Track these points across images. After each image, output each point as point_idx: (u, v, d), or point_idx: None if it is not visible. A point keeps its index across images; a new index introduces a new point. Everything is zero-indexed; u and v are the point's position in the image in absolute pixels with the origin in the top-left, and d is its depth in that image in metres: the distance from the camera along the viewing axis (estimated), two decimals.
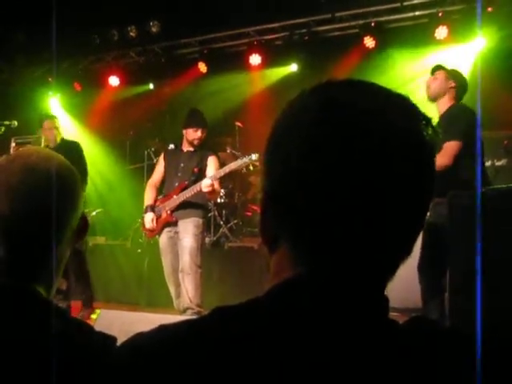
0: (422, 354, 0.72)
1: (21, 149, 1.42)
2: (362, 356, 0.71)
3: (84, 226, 1.38)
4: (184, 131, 5.57)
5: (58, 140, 6.42)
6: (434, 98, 4.49)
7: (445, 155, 4.11)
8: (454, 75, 4.53)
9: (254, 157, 5.31)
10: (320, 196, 0.75)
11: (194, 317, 0.85)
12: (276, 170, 0.82)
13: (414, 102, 0.83)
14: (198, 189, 5.22)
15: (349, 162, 0.74)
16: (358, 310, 0.76)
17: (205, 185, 5.13)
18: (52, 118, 6.68)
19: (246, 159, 5.35)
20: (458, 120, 4.25)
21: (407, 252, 0.81)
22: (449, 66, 4.71)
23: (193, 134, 5.49)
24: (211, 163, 5.49)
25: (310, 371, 0.70)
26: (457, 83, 4.48)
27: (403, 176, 0.76)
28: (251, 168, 8.13)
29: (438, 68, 4.59)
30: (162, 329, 0.78)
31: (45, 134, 6.39)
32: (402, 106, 0.81)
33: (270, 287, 0.80)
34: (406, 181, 0.77)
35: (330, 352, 0.71)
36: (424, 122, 0.80)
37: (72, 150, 6.19)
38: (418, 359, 0.72)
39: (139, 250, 7.56)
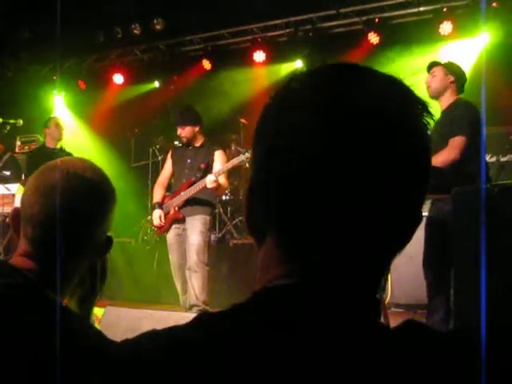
0: (410, 359, 0.68)
1: (67, 157, 1.47)
2: (350, 361, 0.68)
3: (107, 244, 1.41)
4: None
5: (60, 144, 6.56)
6: (436, 96, 4.46)
7: (452, 149, 4.10)
8: (451, 69, 4.49)
9: None
10: (305, 188, 0.71)
11: None
12: (260, 160, 0.78)
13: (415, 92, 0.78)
14: (203, 185, 5.24)
15: (336, 152, 0.70)
16: (348, 314, 0.72)
17: (209, 181, 5.15)
18: (58, 117, 6.83)
19: (248, 154, 5.36)
20: (462, 116, 4.25)
21: (401, 247, 0.76)
22: (450, 60, 4.68)
23: (178, 132, 5.55)
24: (218, 158, 5.51)
25: (295, 378, 0.66)
26: (456, 77, 4.45)
27: (397, 166, 0.72)
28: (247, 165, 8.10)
29: (434, 65, 4.55)
30: (149, 335, 0.74)
31: (50, 133, 6.49)
32: (397, 89, 0.77)
33: (255, 290, 0.76)
34: (400, 171, 0.72)
35: (317, 358, 0.68)
36: (420, 107, 0.76)
37: None
38: (407, 364, 0.68)
39: (148, 247, 7.56)
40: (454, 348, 0.71)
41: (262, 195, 0.77)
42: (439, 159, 4.04)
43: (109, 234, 1.42)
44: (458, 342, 0.72)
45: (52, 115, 6.99)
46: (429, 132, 0.76)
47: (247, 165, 7.37)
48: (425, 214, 4.46)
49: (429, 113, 0.76)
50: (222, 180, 5.34)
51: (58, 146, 6.59)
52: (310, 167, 0.71)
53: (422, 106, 0.76)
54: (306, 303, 0.71)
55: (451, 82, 4.44)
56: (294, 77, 0.79)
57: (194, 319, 0.74)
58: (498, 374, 0.68)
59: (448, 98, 4.44)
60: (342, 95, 0.73)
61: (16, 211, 1.34)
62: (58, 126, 6.62)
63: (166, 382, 0.68)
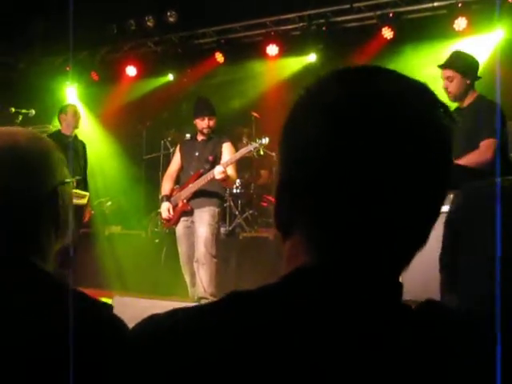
0: (434, 339, 0.72)
1: None
2: (373, 342, 0.71)
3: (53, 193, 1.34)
4: (194, 122, 5.60)
5: (75, 131, 6.59)
6: (458, 100, 4.42)
7: (487, 152, 4.11)
8: (466, 71, 4.39)
9: (265, 141, 5.32)
10: (335, 182, 0.75)
11: None
12: (291, 155, 0.82)
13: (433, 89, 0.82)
14: (212, 176, 5.22)
15: (365, 148, 0.74)
16: (370, 296, 0.75)
17: (217, 172, 5.14)
18: (76, 105, 6.88)
19: (256, 144, 5.35)
20: (489, 117, 4.21)
21: (423, 240, 0.80)
22: (461, 56, 4.61)
23: (201, 123, 5.52)
24: (226, 150, 5.49)
25: (318, 359, 0.69)
26: (472, 77, 4.40)
27: (421, 163, 0.76)
28: (261, 153, 8.07)
29: (447, 66, 4.43)
30: (176, 313, 0.78)
31: (66, 120, 6.52)
32: (421, 92, 0.80)
33: (283, 274, 0.79)
34: (424, 168, 0.76)
35: (341, 339, 0.71)
36: (442, 110, 0.80)
37: (84, 150, 6.49)
38: (430, 344, 0.71)
39: (157, 240, 7.59)
40: (477, 328, 0.75)
41: (291, 192, 0.81)
42: (472, 160, 4.04)
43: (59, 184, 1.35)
44: (481, 321, 0.76)
45: (70, 102, 7.01)
46: (450, 132, 0.80)
47: (255, 155, 7.35)
48: (445, 209, 4.45)
49: (450, 115, 0.81)
50: (231, 171, 5.33)
51: (73, 134, 6.58)
52: (334, 166, 0.75)
53: (445, 108, 0.80)
54: (330, 285, 0.75)
55: (469, 84, 4.39)
56: (318, 80, 0.83)
57: (223, 299, 0.78)
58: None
59: (469, 98, 4.40)
60: (373, 98, 0.77)
61: None
62: (75, 113, 6.61)
63: (192, 362, 0.71)
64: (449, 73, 4.39)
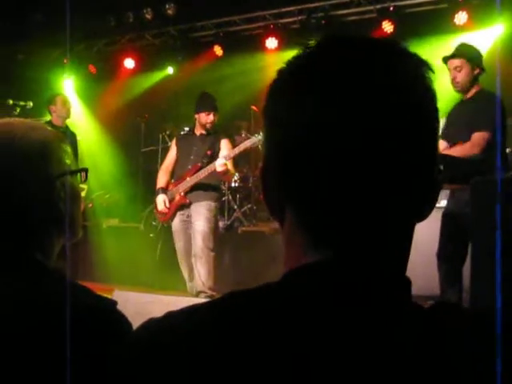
0: (447, 337, 0.69)
1: None
2: (386, 340, 0.68)
3: (70, 191, 1.32)
4: (196, 115, 5.57)
5: (67, 122, 6.47)
6: (464, 91, 4.37)
7: (476, 146, 4.06)
8: (475, 61, 4.35)
9: (261, 136, 5.31)
10: (324, 164, 0.71)
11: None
12: (270, 137, 0.79)
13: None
14: (213, 169, 5.22)
15: (352, 124, 0.70)
16: (380, 292, 0.71)
17: (219, 164, 5.13)
18: (64, 94, 6.73)
19: (255, 139, 5.34)
20: (488, 110, 4.16)
21: (420, 216, 0.76)
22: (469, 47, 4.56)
23: (205, 118, 5.49)
24: (224, 146, 5.49)
25: (326, 358, 0.66)
26: (479, 68, 4.35)
27: (413, 126, 0.72)
28: (260, 147, 8.03)
29: (455, 56, 4.37)
30: (174, 315, 0.76)
31: (56, 111, 6.38)
32: (405, 55, 0.78)
33: (284, 272, 0.76)
34: (415, 130, 0.72)
35: (351, 337, 0.68)
36: (426, 68, 0.77)
37: (76, 141, 6.36)
38: (444, 342, 0.69)
39: (152, 235, 7.55)
40: (490, 327, 0.70)
41: (275, 173, 0.77)
42: (459, 151, 4.02)
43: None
44: (492, 321, 0.71)
45: (58, 92, 6.84)
46: (431, 86, 0.77)
47: (260, 147, 7.34)
48: (442, 204, 4.44)
49: (430, 68, 0.77)
50: (230, 166, 5.33)
51: (65, 125, 6.43)
52: (317, 139, 0.71)
53: (423, 63, 0.77)
54: (332, 283, 0.71)
55: (476, 75, 4.34)
56: (295, 55, 0.81)
57: (221, 299, 0.75)
58: None
59: (473, 90, 4.37)
60: (355, 68, 0.73)
61: None
62: (65, 103, 6.46)
63: (189, 366, 0.69)
64: (457, 62, 4.34)
